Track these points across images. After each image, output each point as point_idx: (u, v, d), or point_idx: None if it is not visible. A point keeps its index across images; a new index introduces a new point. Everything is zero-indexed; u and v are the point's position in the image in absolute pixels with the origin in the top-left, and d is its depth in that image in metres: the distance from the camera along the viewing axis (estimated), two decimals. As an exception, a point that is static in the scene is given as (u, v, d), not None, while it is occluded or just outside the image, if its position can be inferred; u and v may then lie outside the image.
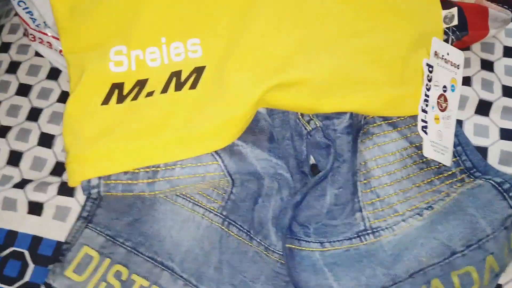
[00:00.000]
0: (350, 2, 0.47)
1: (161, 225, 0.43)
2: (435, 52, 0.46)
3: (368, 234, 0.43)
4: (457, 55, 0.47)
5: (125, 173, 0.42)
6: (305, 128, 0.46)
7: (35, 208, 0.46)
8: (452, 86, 0.46)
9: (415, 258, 0.40)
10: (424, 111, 0.44)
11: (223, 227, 0.43)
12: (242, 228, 0.44)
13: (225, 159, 0.43)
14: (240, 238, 0.43)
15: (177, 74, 0.44)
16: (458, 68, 0.47)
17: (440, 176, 0.44)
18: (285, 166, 0.45)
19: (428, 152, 0.43)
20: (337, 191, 0.45)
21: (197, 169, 0.42)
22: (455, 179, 0.44)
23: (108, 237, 0.42)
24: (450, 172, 0.44)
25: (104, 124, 0.42)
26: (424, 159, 0.44)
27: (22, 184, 0.47)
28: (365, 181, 0.44)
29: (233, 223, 0.44)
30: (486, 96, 0.49)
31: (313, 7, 0.46)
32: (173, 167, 0.42)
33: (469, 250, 0.40)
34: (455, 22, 0.49)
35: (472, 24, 0.49)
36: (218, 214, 0.44)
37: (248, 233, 0.43)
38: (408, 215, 0.43)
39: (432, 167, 0.44)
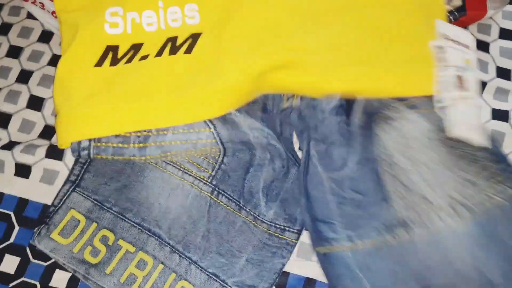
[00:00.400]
0: None
1: (150, 192, 0.42)
2: (442, 33, 0.45)
3: (398, 227, 0.40)
4: (466, 36, 0.46)
5: (116, 136, 0.41)
6: (282, 105, 0.45)
7: (23, 170, 0.46)
8: (467, 66, 0.44)
9: (450, 283, 0.38)
10: (440, 91, 0.42)
11: (212, 196, 0.43)
12: (231, 198, 0.43)
13: (217, 126, 0.42)
14: (229, 208, 0.43)
15: (172, 39, 0.43)
16: (468, 48, 0.46)
17: (470, 161, 0.41)
18: (276, 137, 0.44)
19: (451, 131, 0.40)
20: (332, 175, 0.43)
21: (189, 135, 0.42)
22: (484, 168, 0.41)
23: (95, 202, 0.42)
24: (476, 159, 0.41)
25: (97, 86, 0.42)
26: (457, 143, 0.41)
27: (10, 146, 0.47)
28: (388, 169, 0.41)
29: (222, 192, 0.43)
30: (481, 76, 0.49)
31: None
32: (165, 132, 0.42)
33: (508, 281, 0.38)
34: (459, 2, 0.48)
35: (470, 4, 0.49)
36: (207, 183, 0.43)
37: (238, 203, 0.43)
38: (444, 209, 0.39)
39: (461, 152, 0.41)
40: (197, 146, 0.42)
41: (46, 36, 0.52)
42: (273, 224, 0.44)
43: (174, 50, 0.42)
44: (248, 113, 0.44)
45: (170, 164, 0.43)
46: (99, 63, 0.42)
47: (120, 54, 0.43)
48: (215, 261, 0.42)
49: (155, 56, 0.42)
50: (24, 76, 0.50)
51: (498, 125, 0.47)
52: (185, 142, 0.42)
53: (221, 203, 0.43)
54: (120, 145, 0.41)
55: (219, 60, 0.42)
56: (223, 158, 0.44)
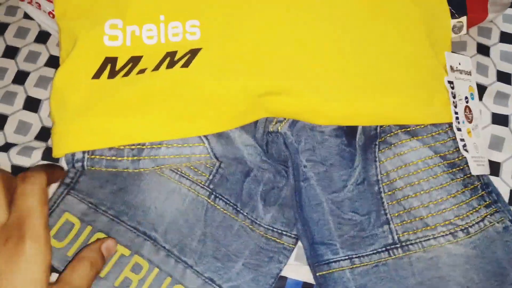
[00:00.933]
0: (359, 2, 0.45)
1: (146, 195, 0.42)
2: (451, 66, 0.45)
3: (396, 248, 0.41)
4: (467, 62, 0.47)
5: (110, 149, 0.41)
6: (269, 127, 0.45)
7: (19, 173, 0.45)
8: (471, 94, 0.45)
9: None
10: (459, 129, 0.43)
11: (209, 200, 0.43)
12: (229, 202, 0.43)
13: (211, 142, 0.42)
14: (226, 212, 0.43)
15: (171, 54, 0.43)
16: (470, 75, 0.46)
17: (468, 188, 0.42)
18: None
19: (475, 170, 0.42)
20: (332, 196, 0.43)
21: (183, 149, 0.42)
22: (480, 194, 0.42)
23: (90, 205, 0.42)
24: (473, 186, 0.42)
25: (93, 98, 0.42)
26: (452, 170, 0.42)
27: (5, 147, 0.46)
28: (389, 193, 0.42)
29: (220, 196, 0.43)
30: (481, 80, 0.49)
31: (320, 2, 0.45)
32: (159, 146, 0.42)
33: None
34: (464, 31, 0.48)
35: (471, 7, 0.48)
36: (204, 187, 0.43)
37: (235, 206, 0.43)
38: (440, 231, 0.41)
39: (459, 178, 0.42)
40: (190, 159, 0.42)
41: (43, 37, 0.52)
42: (271, 228, 0.43)
43: (171, 64, 0.42)
44: (243, 128, 0.43)
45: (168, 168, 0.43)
46: (97, 75, 0.42)
47: (118, 66, 0.42)
48: (211, 265, 0.41)
49: (152, 70, 0.42)
50: (21, 77, 0.50)
51: (498, 130, 0.47)
52: (178, 156, 0.42)
53: (218, 207, 0.43)
54: (113, 158, 0.41)
55: (217, 77, 0.42)
56: (220, 163, 0.43)
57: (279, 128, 0.44)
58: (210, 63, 0.42)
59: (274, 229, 0.43)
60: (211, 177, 0.43)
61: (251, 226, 0.43)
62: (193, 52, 0.43)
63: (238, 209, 0.43)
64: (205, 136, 0.42)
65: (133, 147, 0.41)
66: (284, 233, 0.43)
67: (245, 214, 0.43)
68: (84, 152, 0.41)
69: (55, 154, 0.42)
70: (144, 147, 0.42)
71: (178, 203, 0.42)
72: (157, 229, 0.42)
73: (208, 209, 0.43)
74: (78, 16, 0.44)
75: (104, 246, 0.38)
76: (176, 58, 0.42)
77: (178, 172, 0.43)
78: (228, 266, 0.42)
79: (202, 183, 0.43)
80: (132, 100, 0.41)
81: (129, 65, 0.42)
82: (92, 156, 0.41)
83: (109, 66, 0.42)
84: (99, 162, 0.42)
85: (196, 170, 0.43)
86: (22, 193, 0.34)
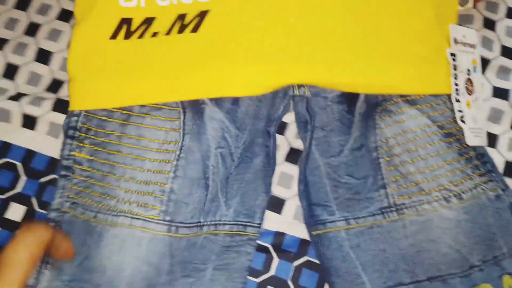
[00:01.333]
0: None
1: (102, 254, 0.40)
2: (454, 39, 0.46)
3: (391, 211, 0.43)
4: (472, 35, 0.47)
5: (102, 110, 0.43)
6: (293, 91, 0.45)
7: (29, 122, 0.46)
8: (474, 67, 0.46)
9: (434, 263, 0.41)
10: (457, 100, 0.44)
11: (171, 234, 0.41)
12: (191, 224, 0.42)
13: (187, 119, 0.43)
14: (191, 234, 0.42)
15: (182, 16, 0.44)
16: (475, 48, 0.47)
17: (463, 157, 0.44)
18: (235, 130, 0.44)
19: (471, 140, 0.43)
20: (329, 160, 0.45)
21: (165, 123, 0.43)
22: (475, 163, 0.43)
23: (64, 282, 0.39)
24: (469, 155, 0.44)
25: (111, 59, 0.43)
26: (449, 139, 0.44)
27: (17, 97, 0.47)
28: (387, 159, 0.44)
29: (181, 224, 0.41)
30: (485, 53, 0.50)
31: None
32: (146, 115, 0.43)
33: (486, 265, 0.41)
34: (470, 4, 0.49)
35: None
36: (160, 222, 0.41)
37: (198, 223, 0.42)
38: (434, 196, 0.42)
39: (455, 148, 0.44)
40: (167, 136, 0.43)
41: (55, -11, 0.52)
42: (235, 223, 0.43)
43: (182, 29, 0.43)
44: (217, 102, 0.44)
45: (122, 215, 0.41)
46: (114, 36, 0.43)
47: (133, 27, 0.44)
48: (183, 286, 0.41)
49: (165, 34, 0.43)
50: (32, 29, 0.50)
51: (498, 103, 0.48)
52: (159, 129, 0.43)
53: (182, 236, 0.41)
54: (104, 118, 0.43)
55: (225, 44, 0.43)
56: (172, 182, 0.42)
57: (306, 93, 0.45)
58: (218, 27, 0.43)
59: (239, 223, 0.43)
60: (164, 207, 0.41)
61: (214, 232, 0.42)
62: (202, 15, 0.43)
63: (201, 224, 0.42)
64: (184, 111, 0.43)
65: (124, 112, 0.43)
66: (248, 224, 0.44)
67: (209, 223, 0.42)
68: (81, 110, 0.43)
69: (73, 107, 0.44)
70: (133, 113, 0.43)
71: (135, 250, 0.40)
72: (118, 286, 0.39)
73: (173, 243, 0.41)
74: None
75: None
76: (186, 21, 0.43)
77: (129, 215, 0.41)
78: (199, 276, 0.41)
79: (156, 218, 0.41)
80: (145, 64, 0.43)
81: (144, 26, 0.43)
82: (87, 114, 0.43)
83: (125, 27, 0.43)
84: (91, 120, 0.43)
85: (146, 205, 0.41)
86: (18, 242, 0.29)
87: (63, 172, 0.42)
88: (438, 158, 0.43)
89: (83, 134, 0.43)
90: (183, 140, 0.43)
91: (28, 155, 0.46)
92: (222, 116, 0.44)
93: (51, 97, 0.47)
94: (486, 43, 0.50)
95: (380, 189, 0.43)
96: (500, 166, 0.46)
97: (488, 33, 0.51)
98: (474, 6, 0.52)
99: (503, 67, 0.50)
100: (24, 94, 0.48)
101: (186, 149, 0.43)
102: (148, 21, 0.44)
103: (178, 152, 0.42)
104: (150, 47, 0.43)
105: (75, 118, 0.43)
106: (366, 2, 0.45)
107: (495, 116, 0.48)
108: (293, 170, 0.46)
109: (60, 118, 0.46)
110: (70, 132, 0.43)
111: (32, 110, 0.47)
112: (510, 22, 0.52)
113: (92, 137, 0.43)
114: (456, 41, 0.46)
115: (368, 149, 0.44)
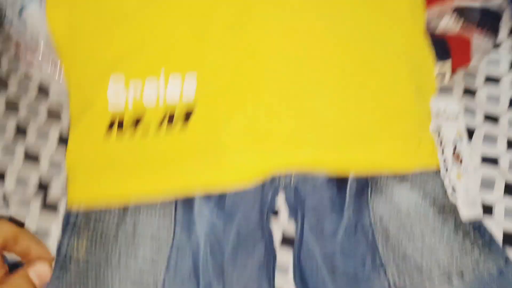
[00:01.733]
0: (346, 55, 0.46)
1: None
2: (436, 112, 0.47)
3: None
4: (453, 106, 0.48)
5: (97, 208, 0.43)
6: (279, 182, 0.45)
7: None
8: (460, 138, 0.46)
9: None
10: (446, 175, 0.44)
11: None
12: None
13: (178, 213, 0.43)
14: None
15: (170, 117, 0.44)
16: (458, 118, 0.47)
17: (460, 231, 0.43)
18: (222, 223, 0.44)
19: (466, 214, 0.43)
20: (325, 243, 0.44)
21: (158, 218, 0.43)
22: (472, 236, 0.43)
23: None
24: (466, 229, 0.43)
25: (104, 160, 0.44)
26: (443, 214, 0.43)
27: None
28: (383, 240, 0.43)
29: None
30: (469, 122, 0.51)
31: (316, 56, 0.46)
32: (139, 212, 0.43)
33: None
34: (448, 78, 0.50)
35: (455, 57, 0.51)
36: None
37: None
38: (435, 277, 0.41)
39: (451, 222, 0.43)
40: (160, 231, 0.42)
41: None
42: None
43: (170, 128, 0.44)
44: (205, 197, 0.44)
45: None
46: (106, 137, 0.45)
47: (124, 129, 0.45)
48: None
49: (154, 133, 0.44)
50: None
51: (489, 171, 0.48)
52: (152, 223, 0.42)
53: None
54: (98, 216, 0.43)
55: (212, 138, 0.44)
56: (164, 276, 0.42)
57: (292, 182, 0.45)
58: (204, 125, 0.44)
59: None
60: None
61: None
62: (187, 115, 0.44)
63: None
64: (175, 207, 0.43)
65: (120, 208, 0.43)
66: None
67: None
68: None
69: (69, 204, 0.44)
70: (127, 211, 0.43)
71: None
72: None
73: None
74: (84, 75, 0.47)
75: (33, 272, 0.33)
76: (174, 120, 0.44)
77: None
78: None
79: None
80: (137, 164, 0.43)
81: (132, 128, 0.45)
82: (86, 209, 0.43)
83: (115, 129, 0.45)
84: (90, 213, 0.43)
85: None
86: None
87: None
88: (434, 235, 0.42)
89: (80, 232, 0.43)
90: (174, 234, 0.42)
91: None
92: (209, 210, 0.44)
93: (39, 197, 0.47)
94: (469, 112, 0.51)
95: (379, 270, 0.42)
96: (498, 235, 0.45)
97: (469, 102, 0.52)
98: (452, 77, 0.53)
99: (488, 134, 0.50)
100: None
101: (177, 243, 0.42)
102: (136, 123, 0.45)
103: (170, 245, 0.42)
104: (141, 147, 0.44)
105: (75, 212, 0.43)
106: (345, 81, 0.46)
107: (487, 184, 0.48)
108: (289, 255, 0.45)
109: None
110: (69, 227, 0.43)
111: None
112: (490, 89, 0.53)
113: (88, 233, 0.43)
114: (438, 115, 0.46)
115: (363, 229, 0.44)
